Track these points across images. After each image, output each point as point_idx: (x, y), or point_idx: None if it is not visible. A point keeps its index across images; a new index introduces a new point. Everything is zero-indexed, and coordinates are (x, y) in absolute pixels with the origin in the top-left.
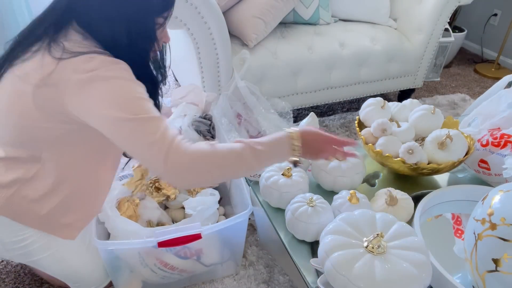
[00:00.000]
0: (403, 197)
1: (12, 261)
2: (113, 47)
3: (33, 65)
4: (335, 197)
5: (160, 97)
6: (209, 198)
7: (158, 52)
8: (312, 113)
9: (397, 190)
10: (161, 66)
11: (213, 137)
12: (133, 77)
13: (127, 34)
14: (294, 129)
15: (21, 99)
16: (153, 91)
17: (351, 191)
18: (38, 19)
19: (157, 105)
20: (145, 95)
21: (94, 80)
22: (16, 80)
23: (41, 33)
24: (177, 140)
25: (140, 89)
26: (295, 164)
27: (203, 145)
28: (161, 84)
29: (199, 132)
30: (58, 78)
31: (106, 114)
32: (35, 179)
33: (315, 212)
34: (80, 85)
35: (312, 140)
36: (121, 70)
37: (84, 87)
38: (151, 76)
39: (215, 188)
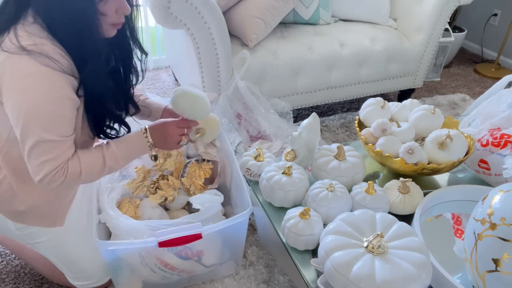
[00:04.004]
0: (412, 186)
1: (12, 261)
2: (56, 27)
3: None
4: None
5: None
6: (215, 198)
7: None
8: (314, 113)
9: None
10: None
11: None
12: (65, 91)
13: (62, 12)
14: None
15: None
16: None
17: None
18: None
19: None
20: (67, 112)
21: (26, 87)
22: None
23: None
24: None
25: (65, 108)
26: (154, 158)
27: (75, 162)
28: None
29: None
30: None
31: (22, 123)
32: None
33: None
34: (12, 87)
35: (158, 130)
36: (55, 82)
37: (16, 90)
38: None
39: (217, 189)
